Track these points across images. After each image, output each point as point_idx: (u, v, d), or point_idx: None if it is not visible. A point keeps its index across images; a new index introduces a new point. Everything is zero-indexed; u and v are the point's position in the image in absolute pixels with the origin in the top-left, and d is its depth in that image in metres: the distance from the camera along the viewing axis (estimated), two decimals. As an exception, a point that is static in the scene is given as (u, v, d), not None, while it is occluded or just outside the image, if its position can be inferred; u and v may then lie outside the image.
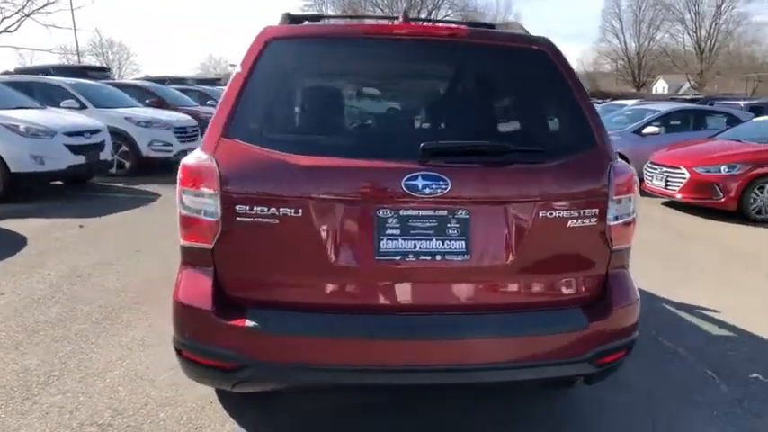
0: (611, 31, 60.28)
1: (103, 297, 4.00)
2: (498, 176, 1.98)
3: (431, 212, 1.95)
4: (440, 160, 1.92)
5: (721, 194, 7.13)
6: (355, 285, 1.98)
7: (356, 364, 1.92)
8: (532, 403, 2.73)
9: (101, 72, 15.39)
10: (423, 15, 53.03)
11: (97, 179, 8.73)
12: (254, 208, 1.94)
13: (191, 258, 2.06)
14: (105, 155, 8.05)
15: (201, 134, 10.38)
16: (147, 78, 21.27)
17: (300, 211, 1.93)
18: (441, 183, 1.90)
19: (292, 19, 2.48)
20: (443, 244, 1.95)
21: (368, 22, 2.53)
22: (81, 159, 7.41)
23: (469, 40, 2.17)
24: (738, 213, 7.18)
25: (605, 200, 2.03)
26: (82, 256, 4.96)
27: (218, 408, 2.65)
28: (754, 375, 3.06)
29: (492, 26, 2.74)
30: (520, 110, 2.21)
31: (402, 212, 1.94)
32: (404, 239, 1.94)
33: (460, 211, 1.95)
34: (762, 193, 7.18)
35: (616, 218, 2.06)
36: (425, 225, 1.94)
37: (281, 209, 1.93)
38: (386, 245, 1.94)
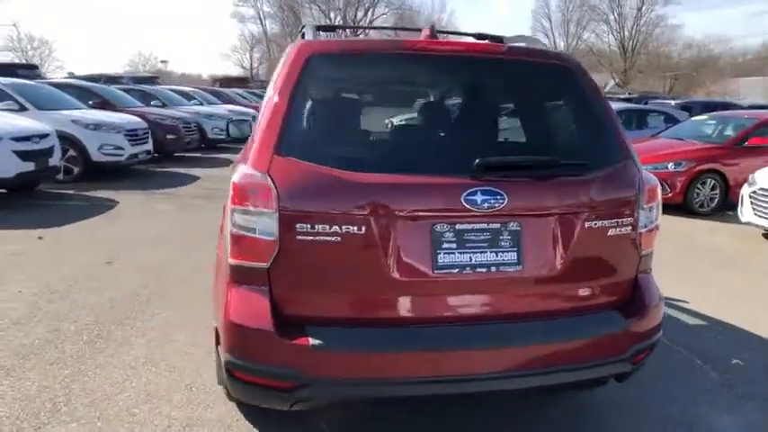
0: (542, 31, 62.63)
1: (90, 314, 3.81)
2: (547, 189, 2.08)
3: (485, 225, 2.02)
4: (493, 175, 1.99)
5: (668, 189, 7.65)
6: (414, 299, 2.02)
7: (417, 377, 1.96)
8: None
9: (31, 70, 14.45)
10: (360, 14, 53.14)
11: (44, 186, 8.20)
12: (313, 226, 1.94)
13: (242, 277, 2.02)
14: (54, 160, 7.59)
15: (152, 137, 9.98)
16: (73, 76, 20.05)
17: (359, 227, 1.94)
18: (498, 197, 1.97)
19: (319, 29, 2.48)
20: (497, 256, 2.02)
21: (387, 34, 2.55)
22: (30, 166, 6.96)
23: (507, 57, 2.26)
24: (684, 207, 7.74)
25: (637, 208, 2.17)
26: (51, 270, 4.68)
27: (244, 425, 2.61)
28: (735, 361, 3.35)
29: (501, 39, 2.84)
30: (558, 124, 2.31)
31: (458, 226, 1.99)
32: (460, 253, 2.00)
33: (512, 224, 2.03)
34: (704, 187, 7.79)
35: (645, 225, 2.21)
36: (480, 238, 2.01)
37: (340, 226, 1.94)
38: (443, 258, 1.99)
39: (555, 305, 2.12)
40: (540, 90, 2.30)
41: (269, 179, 1.95)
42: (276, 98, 2.08)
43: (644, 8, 54.79)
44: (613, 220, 2.12)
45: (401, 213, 1.97)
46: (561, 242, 2.07)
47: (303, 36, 3.33)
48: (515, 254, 2.04)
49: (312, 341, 1.90)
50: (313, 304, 2.02)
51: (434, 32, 2.42)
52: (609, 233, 2.11)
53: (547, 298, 2.11)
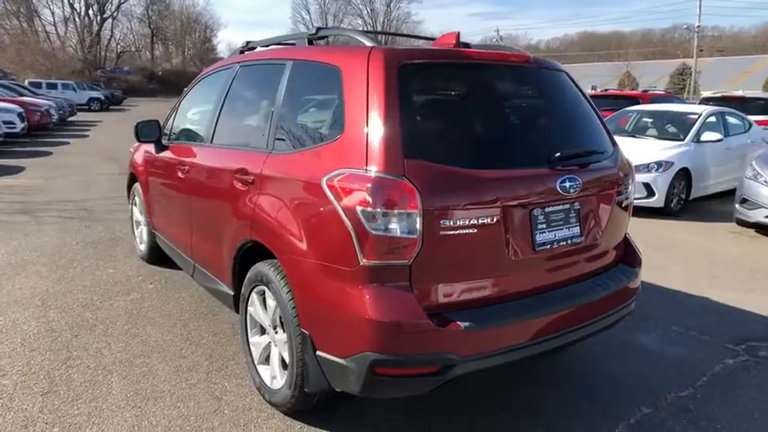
0: (302, 22, 64.35)
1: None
2: (592, 172, 2.60)
3: (562, 207, 2.46)
4: (568, 164, 2.44)
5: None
6: (523, 274, 2.36)
7: (533, 339, 2.31)
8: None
9: None
10: None
11: None
12: (448, 221, 2.12)
13: (380, 276, 2.10)
14: None
15: None
16: None
17: (483, 218, 2.19)
18: (577, 182, 2.46)
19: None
20: (569, 231, 2.50)
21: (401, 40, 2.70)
22: None
23: (537, 66, 2.72)
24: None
25: (630, 182, 2.85)
26: None
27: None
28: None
29: (468, 45, 3.21)
30: (576, 120, 2.81)
31: (546, 209, 2.41)
32: (548, 231, 2.42)
33: (576, 203, 2.52)
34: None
35: (630, 194, 2.91)
36: (559, 218, 2.46)
37: (469, 219, 2.16)
38: (539, 237, 2.38)
39: (598, 265, 2.71)
40: (559, 92, 2.80)
41: (409, 181, 2.06)
42: (382, 104, 2.16)
43: (392, 5, 60.37)
44: (622, 194, 2.76)
45: (512, 202, 2.28)
46: (600, 214, 2.64)
47: (245, 50, 3.35)
48: (578, 228, 2.54)
49: (462, 324, 2.11)
50: (447, 292, 2.20)
51: (459, 40, 2.73)
52: (620, 203, 2.76)
53: (594, 260, 2.68)
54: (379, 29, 60.39)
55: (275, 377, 2.68)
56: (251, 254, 2.82)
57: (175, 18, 58.99)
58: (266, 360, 2.81)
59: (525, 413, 2.76)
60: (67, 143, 14.68)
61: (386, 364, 2.08)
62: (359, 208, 2.08)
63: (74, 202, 7.35)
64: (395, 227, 2.06)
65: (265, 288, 2.66)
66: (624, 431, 2.64)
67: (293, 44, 3.15)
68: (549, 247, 2.43)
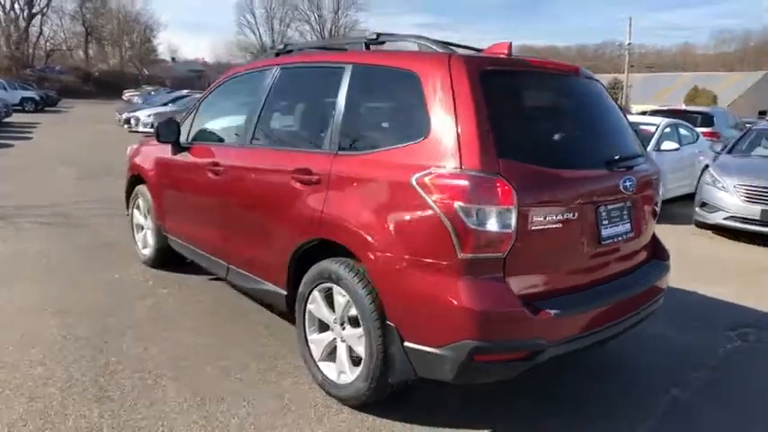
0: (247, 26, 63.40)
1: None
2: (641, 174, 2.84)
3: (619, 204, 2.68)
4: (622, 166, 2.66)
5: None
6: (591, 266, 2.56)
7: (603, 325, 2.50)
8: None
9: None
10: None
11: None
12: (537, 216, 2.28)
13: (476, 269, 2.22)
14: None
15: None
16: None
17: (564, 214, 2.38)
18: (633, 182, 2.68)
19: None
20: (623, 227, 2.73)
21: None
22: None
23: (584, 77, 2.93)
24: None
25: (661, 184, 3.12)
26: None
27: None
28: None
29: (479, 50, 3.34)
30: (618, 125, 3.03)
31: (608, 206, 2.62)
32: (610, 227, 2.64)
33: (628, 202, 2.74)
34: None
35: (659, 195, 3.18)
36: (616, 215, 2.68)
37: (553, 215, 2.34)
38: (604, 232, 2.60)
39: (640, 258, 2.96)
40: (600, 99, 3.01)
41: (505, 179, 2.20)
42: (471, 108, 2.29)
43: (340, 12, 60.57)
44: (656, 194, 3.02)
45: (586, 200, 2.50)
46: (643, 212, 2.89)
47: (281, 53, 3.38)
48: (629, 224, 2.79)
49: (552, 312, 2.26)
50: (534, 282, 2.36)
51: (511, 50, 2.90)
52: (654, 201, 3.01)
53: (638, 254, 2.94)
54: (327, 35, 60.39)
55: (343, 372, 2.73)
56: (312, 252, 2.86)
57: (112, 17, 56.60)
58: (328, 357, 2.85)
59: (570, 401, 2.95)
60: (12, 145, 13.82)
61: (484, 351, 2.21)
62: (457, 204, 2.19)
63: (45, 206, 6.99)
64: (492, 222, 2.19)
65: (333, 285, 2.71)
66: (665, 406, 2.88)
67: (344, 48, 3.23)
68: (610, 241, 2.64)
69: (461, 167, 2.23)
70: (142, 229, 4.90)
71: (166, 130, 3.95)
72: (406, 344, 2.37)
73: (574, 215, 2.43)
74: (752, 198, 6.80)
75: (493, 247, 2.21)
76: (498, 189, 2.20)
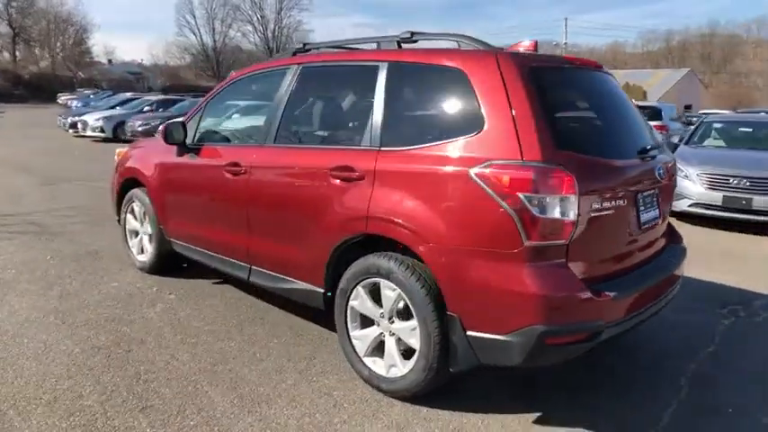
0: (187, 27, 61.68)
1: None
2: (665, 163, 3.01)
3: (651, 191, 2.84)
4: (651, 155, 2.81)
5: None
6: (633, 250, 2.70)
7: (647, 305, 2.66)
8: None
9: None
10: None
11: None
12: (594, 203, 2.40)
13: (541, 256, 2.30)
14: None
15: None
16: None
17: (614, 200, 2.53)
18: (663, 170, 2.83)
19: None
20: (654, 212, 2.89)
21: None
22: None
23: (605, 72, 3.07)
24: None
25: (676, 172, 3.32)
26: None
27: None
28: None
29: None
30: (636, 116, 3.17)
31: (644, 193, 2.76)
32: (645, 212, 2.78)
33: (657, 189, 2.90)
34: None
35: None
36: (648, 201, 2.83)
37: (606, 201, 2.47)
38: (642, 217, 2.73)
39: (663, 243, 3.11)
40: (619, 92, 3.15)
41: (566, 169, 2.29)
42: (525, 103, 2.38)
43: (282, 12, 59.82)
44: (675, 180, 3.20)
45: (631, 187, 2.64)
46: (665, 198, 3.06)
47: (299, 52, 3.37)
48: (657, 210, 2.94)
49: (610, 294, 2.38)
50: (592, 266, 2.47)
51: (537, 47, 3.02)
52: (672, 188, 3.20)
53: (662, 238, 3.07)
54: (270, 36, 59.59)
55: (394, 365, 2.75)
56: (352, 249, 2.87)
57: (41, 17, 53.58)
58: (374, 352, 2.87)
59: (607, 375, 3.10)
60: (-50, 153, 12.91)
61: (552, 335, 2.29)
62: (522, 195, 2.27)
63: (13, 216, 6.60)
64: (556, 210, 2.28)
65: (380, 280, 2.73)
66: (688, 380, 3.07)
67: (372, 47, 3.24)
68: (647, 226, 2.79)
69: (523, 159, 2.31)
70: (136, 234, 4.72)
71: (176, 132, 3.84)
72: (470, 333, 2.42)
73: (623, 202, 2.56)
74: (714, 186, 7.27)
75: (557, 235, 2.30)
76: (561, 179, 2.28)
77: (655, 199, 2.92)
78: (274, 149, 3.31)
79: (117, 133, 16.79)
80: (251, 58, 60.60)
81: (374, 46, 3.26)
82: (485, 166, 2.36)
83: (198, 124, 3.96)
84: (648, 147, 2.89)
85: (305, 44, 3.61)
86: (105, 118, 16.89)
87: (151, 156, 4.34)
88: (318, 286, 3.07)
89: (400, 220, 2.60)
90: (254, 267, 3.49)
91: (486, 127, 2.43)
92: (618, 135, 2.89)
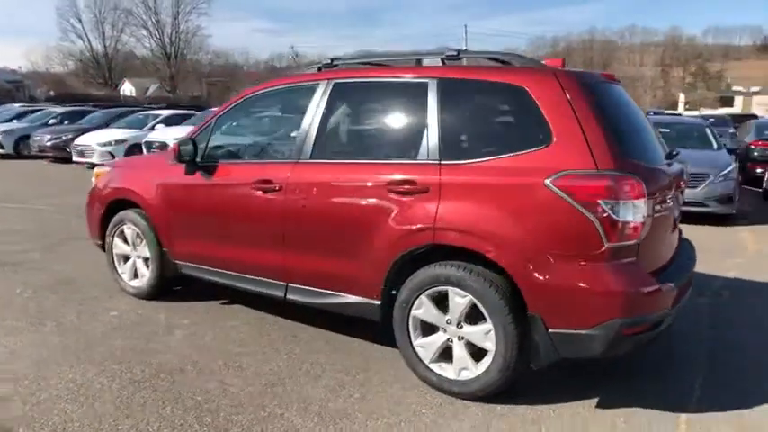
0: (74, 32, 57.19)
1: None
2: (683, 164, 3.39)
3: (676, 192, 3.19)
4: (673, 159, 3.18)
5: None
6: (670, 244, 3.01)
7: (687, 292, 2.99)
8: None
9: None
10: None
11: None
12: (655, 206, 2.69)
13: (618, 255, 2.55)
14: None
15: None
16: None
17: (665, 202, 2.84)
18: (685, 171, 3.18)
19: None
20: (677, 210, 3.26)
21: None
22: None
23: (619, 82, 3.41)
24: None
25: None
26: None
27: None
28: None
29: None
30: (649, 124, 3.51)
31: (675, 193, 3.11)
32: (675, 210, 3.11)
33: (679, 189, 3.27)
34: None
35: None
36: (676, 200, 3.18)
37: (661, 203, 2.80)
38: (675, 215, 3.08)
39: (678, 238, 3.49)
40: (633, 102, 3.50)
41: (636, 176, 2.55)
42: (591, 117, 2.63)
43: (180, 17, 57.16)
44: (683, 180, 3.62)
45: (671, 189, 2.99)
46: (680, 197, 3.43)
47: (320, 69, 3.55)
48: (678, 210, 3.29)
49: (671, 284, 2.67)
50: (652, 261, 2.76)
51: (565, 62, 3.28)
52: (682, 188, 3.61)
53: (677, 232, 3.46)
54: (168, 41, 56.67)
55: (465, 368, 2.88)
56: (414, 260, 2.96)
57: None
58: (440, 357, 2.98)
59: (636, 363, 3.43)
60: None
61: (630, 326, 2.54)
62: (601, 201, 2.49)
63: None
64: (631, 213, 2.53)
65: (449, 288, 2.86)
66: (703, 344, 3.49)
67: (415, 62, 3.36)
68: (676, 222, 3.14)
69: (598, 168, 2.54)
70: (127, 259, 4.46)
71: (188, 150, 3.70)
72: (552, 330, 2.62)
73: (668, 202, 2.88)
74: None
75: (631, 235, 2.56)
76: (633, 185, 2.54)
77: (678, 198, 3.29)
78: (314, 165, 3.31)
79: (19, 149, 15.34)
80: (146, 65, 57.45)
81: (403, 61, 3.37)
82: (561, 177, 2.57)
83: (208, 141, 3.83)
84: (671, 152, 3.26)
85: (332, 59, 3.64)
86: (4, 132, 15.33)
87: (149, 174, 4.13)
88: (374, 298, 3.12)
89: (474, 230, 2.74)
90: (291, 285, 3.46)
91: (554, 140, 2.64)
92: (651, 142, 3.21)
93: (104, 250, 4.61)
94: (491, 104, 2.97)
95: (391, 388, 3.06)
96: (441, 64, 3.24)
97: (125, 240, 4.41)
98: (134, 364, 3.29)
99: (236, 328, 3.86)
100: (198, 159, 3.80)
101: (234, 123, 3.91)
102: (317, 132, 3.34)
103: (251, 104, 3.85)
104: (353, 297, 3.21)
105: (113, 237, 4.45)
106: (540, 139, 2.68)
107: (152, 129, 13.68)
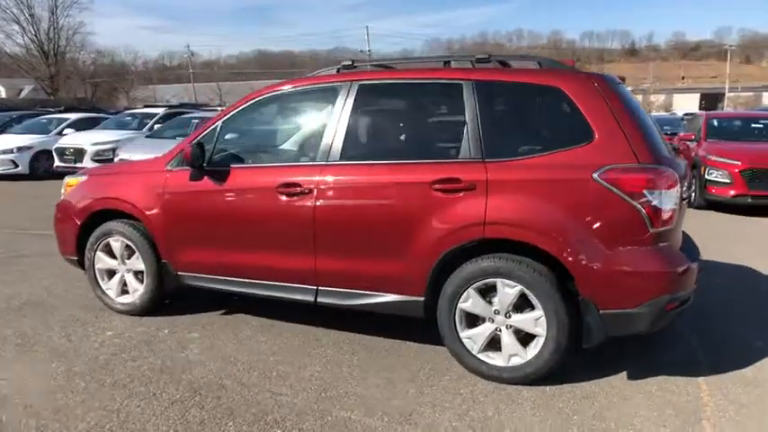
0: (-74, 24, 50.50)
1: None
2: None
3: None
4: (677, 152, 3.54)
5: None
6: (680, 230, 3.34)
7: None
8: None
9: None
10: None
11: None
12: (681, 194, 2.99)
13: (659, 239, 2.82)
14: None
15: None
16: None
17: (682, 189, 3.13)
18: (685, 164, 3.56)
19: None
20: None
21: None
22: None
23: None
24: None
25: None
26: None
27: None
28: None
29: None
30: None
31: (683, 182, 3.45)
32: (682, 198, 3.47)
33: None
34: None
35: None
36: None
37: (683, 191, 3.09)
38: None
39: None
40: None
41: (670, 168, 2.84)
42: (626, 115, 2.89)
43: (58, 11, 52.41)
44: None
45: (684, 178, 3.27)
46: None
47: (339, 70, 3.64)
48: None
49: (697, 264, 2.99)
50: (674, 244, 3.02)
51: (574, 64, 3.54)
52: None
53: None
54: (45, 38, 51.67)
55: (515, 355, 3.04)
56: (459, 255, 3.07)
57: None
58: (487, 347, 3.11)
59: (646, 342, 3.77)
60: None
61: (671, 302, 2.83)
62: (646, 191, 2.75)
63: None
64: (669, 201, 2.81)
65: (498, 280, 3.00)
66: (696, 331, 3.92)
67: (445, 64, 3.44)
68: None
69: (639, 162, 2.80)
70: (111, 274, 4.14)
71: (199, 154, 3.53)
72: (603, 311, 2.84)
73: (684, 190, 3.22)
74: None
75: (669, 221, 2.84)
76: (669, 176, 2.83)
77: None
78: (348, 167, 3.30)
79: (35, 169, 12.23)
80: (19, 63, 51.99)
81: (429, 64, 3.46)
82: (607, 170, 2.80)
83: (214, 145, 3.67)
84: (675, 146, 3.63)
85: (353, 61, 3.63)
86: (20, 147, 12.17)
87: (142, 181, 3.87)
88: (417, 295, 3.19)
89: (526, 224, 2.90)
90: (321, 288, 3.43)
91: (596, 137, 2.87)
92: (661, 137, 3.56)
93: (81, 266, 4.24)
94: (530, 105, 3.15)
95: (441, 381, 3.14)
96: (470, 66, 3.37)
97: (110, 254, 4.09)
98: (164, 384, 3.09)
99: (253, 338, 3.73)
100: (204, 164, 3.63)
101: (245, 126, 3.78)
102: (346, 133, 3.34)
103: (261, 107, 3.73)
104: (393, 296, 3.25)
105: (95, 251, 4.11)
106: (582, 136, 2.90)
107: (60, 134, 12.50)
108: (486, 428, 2.68)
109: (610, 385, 3.10)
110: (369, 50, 54.70)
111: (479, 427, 2.69)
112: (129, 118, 13.16)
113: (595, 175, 2.81)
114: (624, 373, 3.24)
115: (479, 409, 2.85)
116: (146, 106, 16.62)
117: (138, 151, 9.75)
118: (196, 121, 10.19)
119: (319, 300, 3.46)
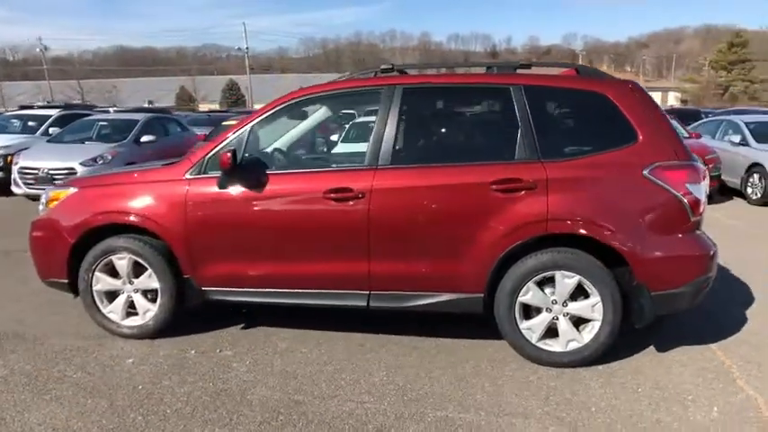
0: None
1: None
2: None
3: None
4: None
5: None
6: None
7: None
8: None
9: None
10: None
11: None
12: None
13: (695, 227, 3.18)
14: None
15: None
16: None
17: None
18: None
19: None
20: None
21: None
22: None
23: None
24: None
25: None
26: None
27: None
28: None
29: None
30: None
31: None
32: None
33: None
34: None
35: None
36: None
37: None
38: None
39: None
40: None
41: (701, 163, 3.24)
42: (660, 119, 3.23)
43: None
44: None
45: None
46: None
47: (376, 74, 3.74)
48: None
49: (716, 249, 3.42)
50: None
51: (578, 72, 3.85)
52: None
53: None
54: None
55: (572, 340, 3.28)
56: (519, 250, 3.24)
57: None
58: (545, 335, 3.33)
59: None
60: None
61: (706, 282, 3.24)
62: (688, 184, 3.12)
63: None
64: (702, 192, 3.20)
65: (557, 272, 3.22)
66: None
67: (489, 69, 3.56)
68: None
69: (679, 159, 3.17)
70: (114, 296, 3.74)
71: (233, 160, 3.32)
72: (653, 293, 3.18)
73: None
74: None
75: (702, 210, 3.24)
76: (701, 171, 3.23)
77: None
78: (402, 170, 3.31)
79: None
80: None
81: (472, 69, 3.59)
82: (655, 167, 3.12)
83: (243, 151, 3.48)
84: None
85: (393, 65, 3.62)
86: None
87: (156, 191, 3.54)
88: (477, 292, 3.31)
89: (587, 218, 3.14)
90: (374, 292, 3.41)
91: (640, 138, 3.19)
92: None
93: (72, 290, 3.77)
94: (579, 109, 3.40)
95: (504, 372, 3.29)
96: (513, 71, 3.54)
97: (112, 274, 3.69)
98: (234, 407, 2.91)
99: (294, 350, 3.60)
100: (236, 170, 3.42)
101: (275, 131, 3.60)
102: (395, 137, 3.35)
103: (293, 111, 3.59)
104: (450, 294, 3.34)
105: (94, 272, 3.68)
106: (628, 137, 3.21)
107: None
108: (572, 410, 2.89)
109: (648, 360, 3.46)
110: (246, 48, 53.02)
111: (567, 410, 2.89)
112: (15, 120, 11.53)
113: (645, 172, 3.13)
114: (650, 347, 3.63)
115: (558, 393, 3.05)
116: (21, 107, 14.68)
117: (46, 158, 8.70)
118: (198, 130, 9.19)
119: (372, 304, 3.44)
